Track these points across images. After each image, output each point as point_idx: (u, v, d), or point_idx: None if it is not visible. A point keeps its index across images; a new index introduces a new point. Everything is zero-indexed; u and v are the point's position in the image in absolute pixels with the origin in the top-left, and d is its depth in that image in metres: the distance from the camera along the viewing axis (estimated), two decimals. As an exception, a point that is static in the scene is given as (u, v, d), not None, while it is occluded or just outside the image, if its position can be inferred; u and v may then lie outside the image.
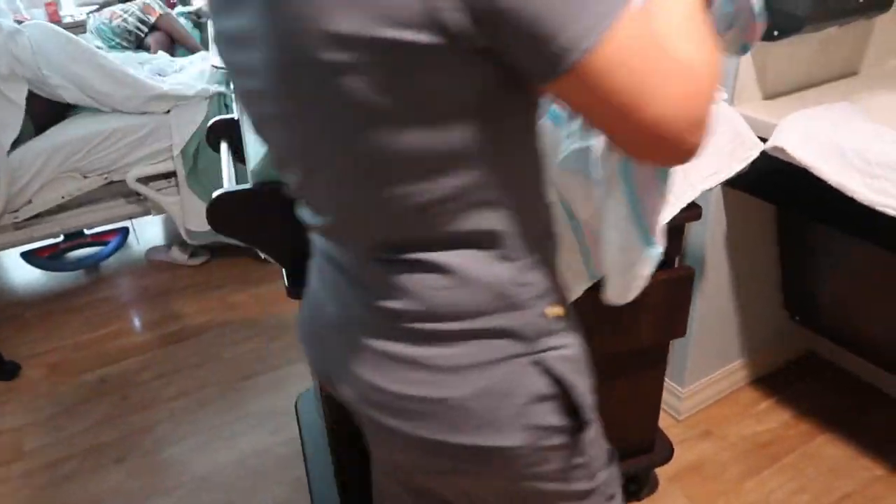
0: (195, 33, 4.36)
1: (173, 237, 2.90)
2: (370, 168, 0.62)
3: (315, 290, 0.84)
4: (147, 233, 3.09)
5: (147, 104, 2.43)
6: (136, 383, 2.18)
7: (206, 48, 4.47)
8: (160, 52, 3.08)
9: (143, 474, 1.84)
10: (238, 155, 1.40)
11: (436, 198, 0.63)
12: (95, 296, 2.63)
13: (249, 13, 0.61)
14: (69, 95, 2.41)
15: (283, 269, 1.18)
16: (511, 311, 0.68)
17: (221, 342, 2.35)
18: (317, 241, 0.82)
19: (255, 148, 1.13)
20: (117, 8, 4.19)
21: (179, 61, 2.97)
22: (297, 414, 1.87)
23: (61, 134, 2.41)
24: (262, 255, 2.71)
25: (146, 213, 2.69)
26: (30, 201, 2.38)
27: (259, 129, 0.74)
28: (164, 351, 2.32)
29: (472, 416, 0.69)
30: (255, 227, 1.14)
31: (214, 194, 1.10)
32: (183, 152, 2.47)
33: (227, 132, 1.43)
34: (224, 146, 1.40)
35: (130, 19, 4.15)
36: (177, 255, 2.82)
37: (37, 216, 2.45)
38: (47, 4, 3.56)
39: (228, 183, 1.23)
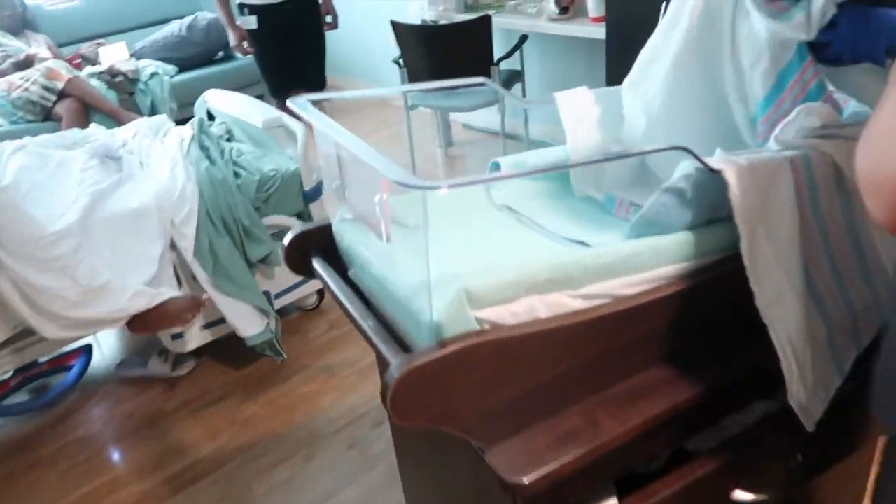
0: (111, 95, 3.83)
1: (146, 345, 2.42)
2: None
3: None
4: (109, 343, 2.58)
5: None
6: (157, 552, 1.72)
7: (138, 110, 3.94)
8: (97, 127, 2.56)
9: None
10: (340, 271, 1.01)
11: None
12: (67, 438, 2.12)
13: None
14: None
15: (482, 448, 0.82)
16: None
17: (247, 474, 1.92)
18: None
19: (445, 290, 0.75)
20: (16, 77, 3.62)
21: (121, 134, 2.48)
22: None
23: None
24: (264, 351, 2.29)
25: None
26: (-26, 341, 1.87)
27: None
28: (179, 500, 1.86)
29: None
30: (446, 400, 0.78)
31: (398, 373, 0.73)
32: (198, 252, 2.01)
33: (316, 246, 1.04)
34: (321, 266, 1.01)
35: (33, 88, 3.59)
36: (156, 366, 2.33)
37: (-18, 355, 1.94)
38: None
39: (374, 334, 0.85)
